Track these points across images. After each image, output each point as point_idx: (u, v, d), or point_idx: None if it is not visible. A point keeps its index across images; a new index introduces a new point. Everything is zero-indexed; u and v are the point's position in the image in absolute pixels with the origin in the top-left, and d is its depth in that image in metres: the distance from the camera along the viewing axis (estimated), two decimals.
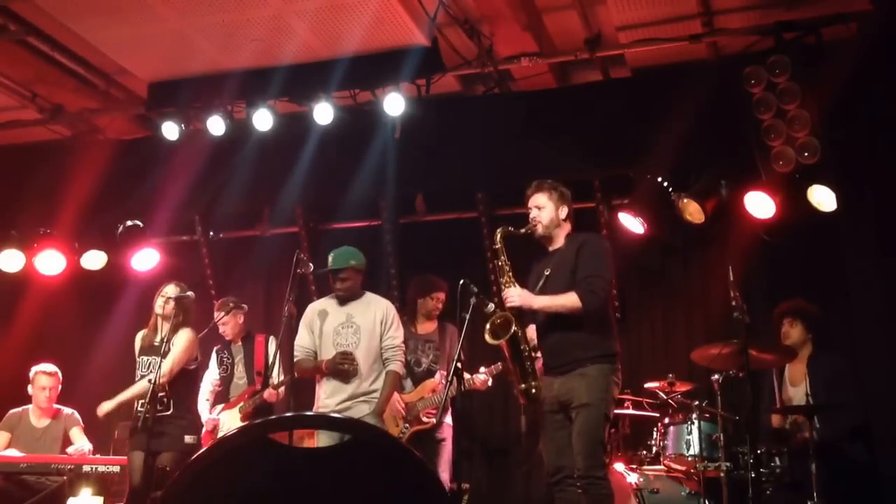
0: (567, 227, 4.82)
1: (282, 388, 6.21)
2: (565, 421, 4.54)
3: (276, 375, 6.28)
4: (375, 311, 5.57)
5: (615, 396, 4.62)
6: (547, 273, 4.70)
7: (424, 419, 6.12)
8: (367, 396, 5.41)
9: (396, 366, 5.51)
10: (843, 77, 5.63)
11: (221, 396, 6.59)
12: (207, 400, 6.59)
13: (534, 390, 4.54)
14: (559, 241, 4.79)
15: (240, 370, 6.56)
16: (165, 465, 5.63)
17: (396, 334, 5.56)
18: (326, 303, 5.68)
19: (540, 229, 4.77)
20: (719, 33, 6.17)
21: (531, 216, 4.79)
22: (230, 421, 6.36)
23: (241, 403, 6.39)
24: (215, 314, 6.59)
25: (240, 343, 6.64)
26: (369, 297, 5.67)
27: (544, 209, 4.77)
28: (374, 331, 5.50)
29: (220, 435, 6.21)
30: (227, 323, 6.58)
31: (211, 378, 6.59)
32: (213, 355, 6.65)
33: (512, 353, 4.58)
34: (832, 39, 5.83)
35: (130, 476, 5.70)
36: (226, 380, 6.57)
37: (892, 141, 5.76)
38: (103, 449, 6.66)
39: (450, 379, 4.68)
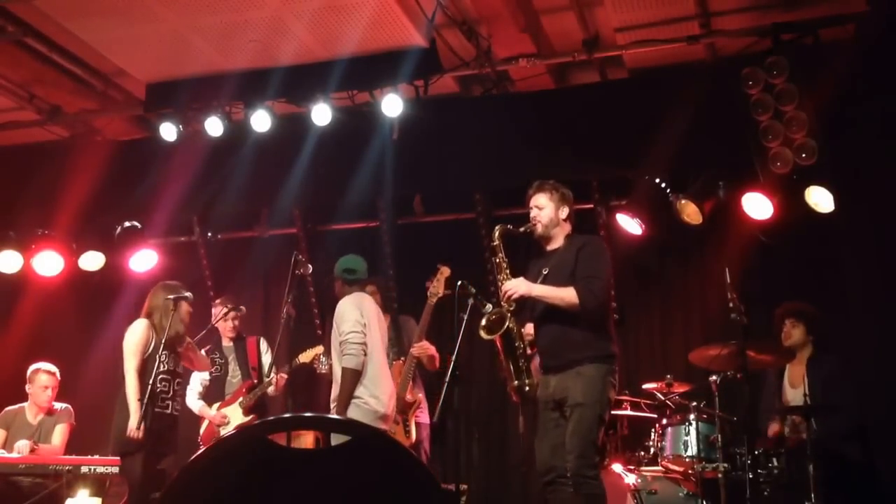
0: (567, 228, 4.83)
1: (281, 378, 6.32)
2: (560, 419, 4.54)
3: (270, 372, 6.42)
4: (334, 315, 5.38)
5: (611, 398, 4.61)
6: (545, 272, 4.71)
7: (409, 398, 6.06)
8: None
9: (345, 361, 5.15)
10: (840, 78, 5.64)
11: (216, 395, 6.66)
12: (198, 398, 6.67)
13: (527, 387, 4.55)
14: (558, 242, 4.80)
15: (233, 368, 6.67)
16: (164, 468, 5.61)
17: (343, 328, 5.21)
18: None
19: (539, 229, 4.78)
20: (717, 35, 6.18)
21: (531, 215, 4.80)
22: (234, 416, 6.48)
23: (241, 398, 6.48)
24: (219, 309, 6.69)
25: (231, 343, 6.76)
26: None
27: (544, 209, 4.78)
28: (335, 334, 5.32)
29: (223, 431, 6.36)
30: (237, 318, 6.72)
31: (200, 377, 6.66)
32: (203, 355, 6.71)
33: (505, 349, 4.59)
34: (830, 41, 5.84)
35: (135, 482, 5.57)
36: (219, 378, 6.66)
37: (889, 142, 5.75)
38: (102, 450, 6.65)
39: (448, 380, 4.67)
